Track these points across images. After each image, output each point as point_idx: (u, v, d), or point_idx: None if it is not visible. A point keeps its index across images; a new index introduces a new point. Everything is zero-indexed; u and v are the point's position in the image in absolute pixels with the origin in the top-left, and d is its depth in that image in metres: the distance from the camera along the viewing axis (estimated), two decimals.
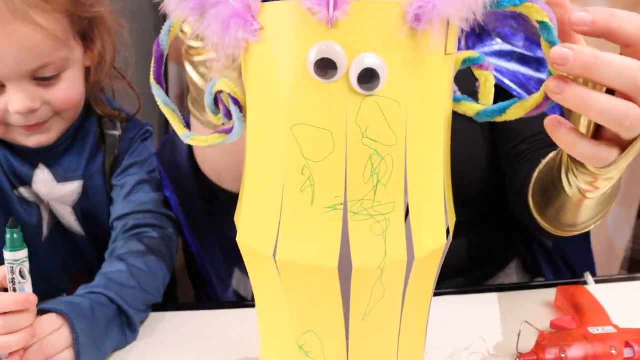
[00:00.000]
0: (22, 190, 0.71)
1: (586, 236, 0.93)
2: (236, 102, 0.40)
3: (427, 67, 0.35)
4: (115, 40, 0.72)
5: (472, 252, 0.84)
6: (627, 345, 0.54)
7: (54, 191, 0.71)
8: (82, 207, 0.73)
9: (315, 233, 0.36)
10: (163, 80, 0.43)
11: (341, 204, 0.35)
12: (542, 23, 0.36)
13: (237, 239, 0.41)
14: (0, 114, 0.63)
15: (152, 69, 0.42)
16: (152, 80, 0.42)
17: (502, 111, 0.40)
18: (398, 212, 0.36)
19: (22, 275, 0.51)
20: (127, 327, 0.58)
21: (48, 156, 0.70)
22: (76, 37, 0.67)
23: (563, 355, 0.51)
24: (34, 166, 0.70)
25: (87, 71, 0.71)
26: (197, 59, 0.58)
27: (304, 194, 0.36)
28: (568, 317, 0.59)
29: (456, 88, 0.41)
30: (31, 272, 0.52)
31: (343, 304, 0.38)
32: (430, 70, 0.36)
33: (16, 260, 0.51)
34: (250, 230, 0.40)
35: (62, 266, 0.75)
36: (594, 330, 0.54)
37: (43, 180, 0.70)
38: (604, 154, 0.40)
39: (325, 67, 0.34)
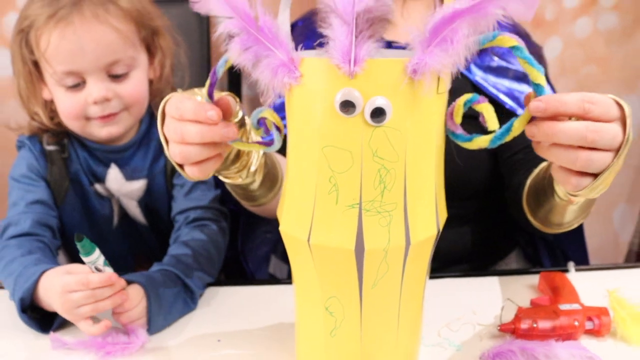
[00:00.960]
0: (97, 186, 0.87)
1: (580, 231, 1.06)
2: (276, 128, 0.55)
3: (422, 104, 0.50)
4: (173, 55, 0.89)
5: (475, 242, 0.98)
6: (589, 319, 0.68)
7: (123, 187, 0.87)
8: (145, 202, 0.89)
9: (338, 224, 0.51)
10: (213, 97, 0.58)
11: (357, 204, 0.50)
12: (513, 47, 0.50)
13: (280, 229, 0.56)
14: (81, 107, 0.80)
15: (206, 88, 0.57)
16: (207, 98, 0.57)
17: (509, 130, 0.53)
18: (399, 210, 0.51)
19: (98, 269, 0.67)
20: (189, 300, 0.74)
21: (118, 158, 0.87)
22: (141, 43, 0.84)
23: (535, 325, 0.65)
24: (107, 166, 0.87)
25: (150, 83, 0.87)
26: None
27: (331, 196, 0.51)
28: (545, 297, 0.73)
29: (453, 126, 0.55)
30: (103, 252, 0.67)
31: (357, 277, 0.53)
32: (424, 107, 0.50)
33: (91, 261, 0.66)
34: (291, 222, 0.55)
35: (129, 249, 0.91)
36: (563, 307, 0.68)
37: (114, 178, 0.87)
38: (574, 182, 0.55)
39: (347, 106, 0.48)
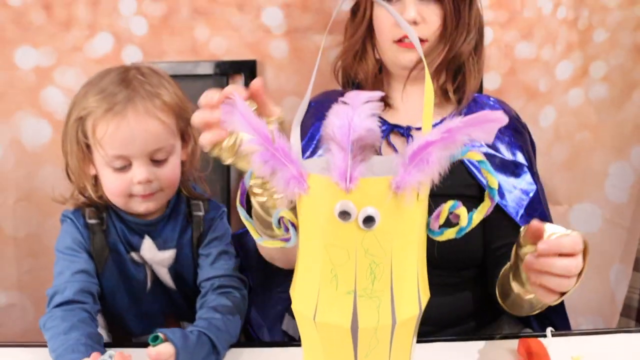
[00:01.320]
0: (133, 254, 1.02)
1: (562, 303, 1.19)
2: (293, 224, 0.68)
3: (405, 211, 0.63)
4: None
5: (470, 306, 1.11)
6: None
7: (156, 256, 1.02)
8: (175, 269, 1.04)
9: (337, 306, 0.64)
10: (244, 204, 0.71)
11: (353, 291, 0.64)
12: (480, 161, 0.64)
13: (292, 306, 0.69)
14: (126, 186, 0.96)
15: (238, 197, 0.70)
16: (237, 204, 0.71)
17: (470, 222, 0.67)
18: (386, 295, 0.64)
19: None
20: (215, 358, 0.87)
21: (151, 230, 1.01)
22: (177, 133, 0.99)
23: None
24: (142, 237, 1.02)
25: (182, 164, 1.02)
26: (258, 199, 0.85)
27: (332, 283, 0.64)
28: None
29: (437, 225, 0.68)
30: (137, 314, 0.81)
31: (353, 349, 0.66)
32: (406, 213, 0.63)
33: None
34: (300, 301, 0.68)
35: (159, 309, 1.05)
36: None
37: (148, 248, 1.02)
38: (552, 298, 0.79)
39: (344, 214, 0.61)
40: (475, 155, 0.64)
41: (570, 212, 1.69)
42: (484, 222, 1.06)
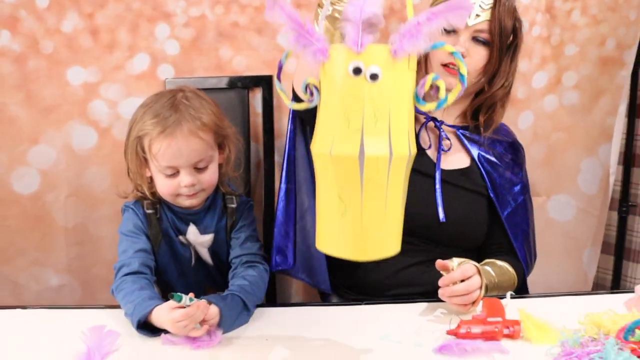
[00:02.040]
0: (181, 238, 1.31)
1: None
2: (316, 87, 0.93)
3: (399, 72, 0.88)
4: (235, 149, 1.32)
5: None
6: (507, 327, 1.08)
7: (198, 239, 1.31)
8: (213, 249, 1.33)
9: (350, 140, 0.86)
10: (280, 78, 0.99)
11: (360, 128, 0.87)
12: (452, 52, 0.92)
13: (313, 150, 0.92)
14: (175, 188, 1.24)
15: (275, 74, 0.98)
16: (276, 81, 0.98)
17: (445, 101, 0.93)
18: (385, 134, 0.86)
19: (186, 305, 1.07)
20: (246, 314, 1.16)
21: (195, 218, 1.30)
22: (215, 145, 1.27)
23: (469, 330, 1.06)
24: (187, 224, 1.31)
25: (219, 166, 1.31)
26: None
27: (345, 123, 0.87)
28: (483, 314, 1.13)
29: (422, 92, 0.92)
30: (183, 284, 1.09)
31: (360, 174, 0.88)
32: (400, 73, 0.88)
33: (183, 303, 1.08)
34: (320, 144, 0.90)
35: (201, 281, 1.34)
36: (490, 319, 1.09)
37: (192, 233, 1.31)
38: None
39: (356, 70, 0.86)
40: (449, 48, 0.93)
41: (548, 203, 1.97)
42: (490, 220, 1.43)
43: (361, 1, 0.88)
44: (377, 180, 0.89)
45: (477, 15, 1.37)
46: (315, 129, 0.95)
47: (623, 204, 1.96)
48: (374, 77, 0.87)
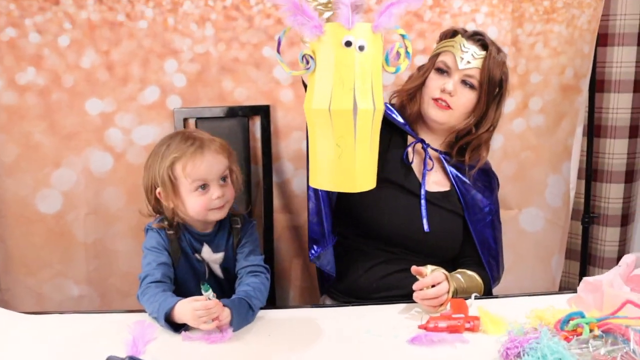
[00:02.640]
0: (196, 255, 1.56)
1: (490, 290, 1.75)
2: (312, 57, 1.17)
3: (377, 43, 1.15)
4: (239, 171, 1.58)
5: None
6: (468, 322, 1.33)
7: (211, 257, 1.56)
8: (223, 265, 1.57)
9: (344, 97, 1.13)
10: (280, 51, 1.23)
11: (352, 88, 1.13)
12: (402, 35, 1.20)
13: (312, 107, 1.17)
14: (207, 203, 1.48)
15: (276, 48, 1.23)
16: (276, 53, 1.23)
17: (399, 70, 1.21)
18: (369, 92, 1.14)
19: (209, 298, 1.33)
20: (252, 315, 1.41)
21: (208, 239, 1.56)
22: (229, 166, 1.52)
23: (436, 325, 1.31)
24: (202, 244, 1.56)
25: None
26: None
27: (340, 85, 1.12)
28: (450, 311, 1.38)
29: (391, 56, 1.20)
30: (199, 292, 1.33)
31: (353, 124, 1.14)
32: (377, 44, 1.15)
33: (208, 294, 1.32)
34: (318, 102, 1.14)
35: (214, 291, 1.58)
36: (455, 315, 1.34)
37: (206, 251, 1.56)
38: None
39: (348, 43, 1.12)
40: (401, 31, 1.20)
41: (520, 215, 2.23)
42: (464, 236, 1.70)
43: None
44: (365, 128, 1.17)
45: (468, 62, 1.60)
46: (309, 91, 1.20)
47: (585, 216, 2.22)
48: (361, 48, 1.13)
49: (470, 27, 1.98)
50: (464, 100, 1.62)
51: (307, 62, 1.18)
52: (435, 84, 1.64)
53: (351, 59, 1.14)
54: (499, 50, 1.64)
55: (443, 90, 1.61)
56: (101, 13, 1.89)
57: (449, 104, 1.62)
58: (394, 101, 1.76)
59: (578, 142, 2.13)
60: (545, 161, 2.18)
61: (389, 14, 1.15)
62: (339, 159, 1.18)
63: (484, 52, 1.61)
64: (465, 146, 1.70)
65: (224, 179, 1.52)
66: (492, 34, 1.98)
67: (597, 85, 2.19)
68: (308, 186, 1.60)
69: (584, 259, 2.27)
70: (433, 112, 1.64)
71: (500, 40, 2.01)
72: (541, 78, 2.10)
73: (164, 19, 1.91)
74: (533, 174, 2.19)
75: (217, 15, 1.92)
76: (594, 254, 2.31)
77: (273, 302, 2.00)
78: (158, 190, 1.51)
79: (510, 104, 2.11)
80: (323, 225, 1.61)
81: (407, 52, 1.21)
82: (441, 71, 1.64)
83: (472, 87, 1.62)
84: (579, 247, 2.28)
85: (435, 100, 1.63)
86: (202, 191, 1.49)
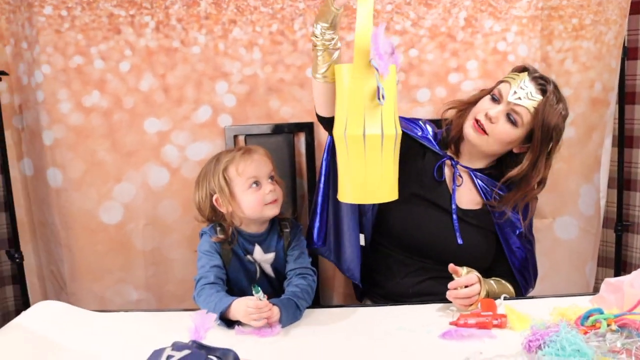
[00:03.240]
0: (248, 257, 1.73)
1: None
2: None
3: (388, 83, 1.37)
4: (282, 184, 1.75)
5: None
6: (496, 319, 1.47)
7: (263, 257, 1.74)
8: (274, 265, 1.74)
9: (356, 125, 1.36)
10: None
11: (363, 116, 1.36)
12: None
13: (333, 132, 1.42)
14: (262, 197, 1.69)
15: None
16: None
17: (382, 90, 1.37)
18: (379, 120, 1.35)
19: (260, 299, 1.50)
20: (299, 313, 1.57)
21: (259, 239, 1.73)
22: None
23: (466, 321, 1.45)
24: (253, 245, 1.73)
25: None
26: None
27: (352, 117, 1.36)
28: (479, 309, 1.52)
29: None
30: (251, 294, 1.50)
31: (364, 149, 1.36)
32: (389, 83, 1.36)
33: (258, 295, 1.49)
34: (338, 128, 1.40)
35: (264, 290, 1.74)
36: (484, 313, 1.48)
37: (258, 252, 1.73)
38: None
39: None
40: (392, 67, 1.37)
41: (554, 224, 2.33)
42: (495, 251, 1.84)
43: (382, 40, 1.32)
44: (375, 149, 1.36)
45: (519, 98, 1.67)
46: (335, 120, 1.43)
47: (618, 224, 2.31)
48: (382, 97, 1.34)
49: (501, 46, 2.12)
50: (502, 130, 1.70)
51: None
52: (483, 106, 1.74)
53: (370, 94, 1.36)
54: (559, 100, 1.69)
55: (486, 114, 1.70)
56: (158, 40, 2.08)
57: (486, 129, 1.71)
58: (447, 115, 1.88)
59: (607, 152, 2.23)
60: (578, 172, 2.28)
61: (387, 59, 1.35)
62: (354, 177, 1.40)
63: (540, 97, 1.66)
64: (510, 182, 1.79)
65: (271, 178, 1.71)
66: (522, 51, 2.12)
67: (627, 97, 2.29)
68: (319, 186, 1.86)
69: (617, 266, 2.36)
70: (469, 132, 1.75)
71: (530, 57, 2.13)
72: (571, 92, 2.20)
73: (215, 44, 2.10)
74: (566, 184, 2.28)
75: (263, 40, 2.10)
76: (628, 261, 2.39)
77: (317, 302, 2.12)
78: (215, 197, 1.68)
79: None
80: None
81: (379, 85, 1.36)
82: (494, 97, 1.73)
83: (513, 123, 1.68)
84: (613, 254, 2.37)
85: (476, 121, 1.73)
86: (256, 187, 1.68)
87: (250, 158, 1.69)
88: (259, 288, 1.50)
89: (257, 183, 1.68)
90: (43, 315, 1.61)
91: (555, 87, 1.70)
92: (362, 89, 1.34)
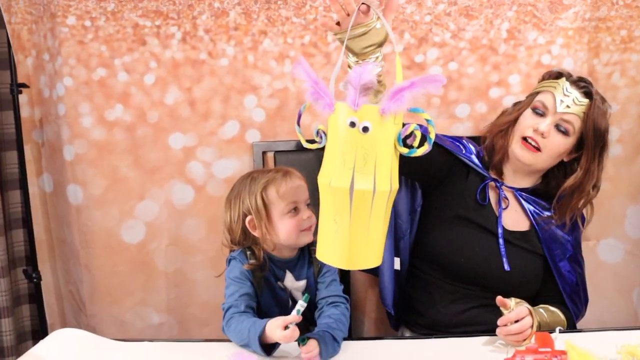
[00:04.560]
0: (279, 283, 1.61)
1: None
2: (324, 133, 1.23)
3: (386, 126, 1.15)
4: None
5: None
6: (555, 356, 1.34)
7: (294, 285, 1.61)
8: (305, 292, 1.61)
9: (343, 176, 1.15)
10: (299, 124, 1.30)
11: (352, 168, 1.14)
12: (427, 120, 1.17)
13: (318, 180, 1.21)
14: (299, 222, 1.55)
15: (296, 121, 1.30)
16: (296, 125, 1.30)
17: (414, 151, 1.17)
18: (371, 174, 1.14)
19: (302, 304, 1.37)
20: (337, 346, 1.45)
21: (290, 266, 1.61)
22: None
23: (523, 359, 1.32)
24: (284, 272, 1.61)
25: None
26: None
27: (341, 164, 1.15)
28: (535, 345, 1.39)
29: (403, 135, 1.18)
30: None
31: (349, 203, 1.16)
32: (386, 127, 1.15)
33: (302, 306, 1.37)
34: (324, 176, 1.19)
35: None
36: (541, 349, 1.35)
37: (289, 279, 1.61)
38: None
39: (352, 124, 1.13)
40: (425, 115, 1.17)
41: (598, 247, 2.20)
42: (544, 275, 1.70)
43: (359, 70, 1.15)
44: (362, 209, 1.17)
45: (568, 106, 1.59)
46: (322, 164, 1.23)
47: None
48: (365, 129, 1.14)
49: (546, 60, 2.00)
50: (555, 143, 1.61)
51: (321, 137, 1.24)
52: (528, 122, 1.64)
53: (353, 139, 1.16)
54: (603, 100, 1.63)
55: (536, 130, 1.60)
56: (184, 52, 2.00)
57: (539, 145, 1.61)
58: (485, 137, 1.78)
59: None
60: (624, 192, 2.16)
61: (401, 97, 1.13)
62: (335, 234, 1.20)
63: (586, 100, 1.59)
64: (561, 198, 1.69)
65: (308, 204, 1.59)
66: (567, 65, 2.00)
67: None
68: None
69: None
70: (519, 152, 1.65)
71: (576, 71, 2.01)
72: (619, 108, 2.08)
73: (244, 56, 2.00)
74: (611, 204, 2.16)
75: (295, 52, 2.00)
76: None
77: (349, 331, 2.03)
78: (249, 218, 1.57)
79: None
80: None
81: (429, 138, 1.18)
82: (537, 111, 1.63)
83: (565, 133, 1.60)
84: None
85: (524, 139, 1.63)
86: (294, 213, 1.56)
87: (292, 181, 1.57)
88: (309, 296, 1.40)
89: (295, 209, 1.57)
90: (62, 344, 1.50)
91: (592, 85, 1.64)
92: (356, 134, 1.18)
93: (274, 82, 2.02)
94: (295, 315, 1.38)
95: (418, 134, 1.20)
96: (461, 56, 2.00)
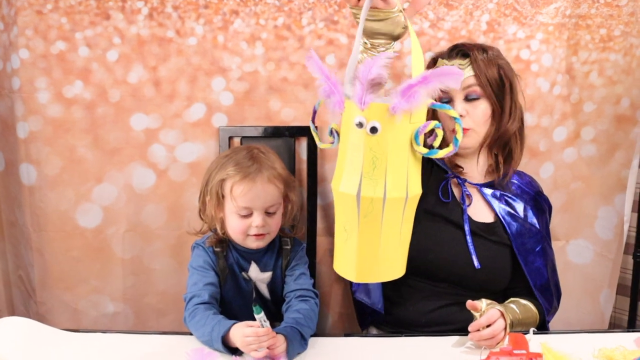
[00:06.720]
0: (243, 274, 1.53)
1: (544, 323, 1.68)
2: (337, 132, 1.14)
3: (397, 126, 1.05)
4: (298, 202, 1.54)
5: None
6: (530, 358, 1.28)
7: (259, 276, 1.53)
8: (271, 285, 1.54)
9: (351, 182, 1.07)
10: (314, 121, 1.21)
11: (360, 173, 1.06)
12: (455, 118, 1.10)
13: (332, 184, 1.14)
14: (246, 227, 1.45)
15: (310, 119, 1.20)
16: (310, 122, 1.20)
17: (435, 152, 1.09)
18: (381, 179, 1.05)
19: (262, 324, 1.29)
20: (304, 343, 1.37)
21: (256, 257, 1.52)
22: (282, 196, 1.48)
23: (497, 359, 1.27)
24: (249, 263, 1.52)
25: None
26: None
27: (349, 167, 1.07)
28: (509, 346, 1.33)
29: (421, 135, 1.08)
30: (245, 315, 1.30)
31: (357, 211, 1.07)
32: (398, 127, 1.05)
33: (259, 318, 1.29)
34: (334, 181, 1.11)
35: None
36: (516, 351, 1.29)
37: (254, 270, 1.52)
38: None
39: (359, 124, 1.06)
40: (452, 113, 1.10)
41: (567, 247, 2.18)
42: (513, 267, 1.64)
43: (370, 63, 1.06)
44: (372, 217, 1.06)
45: None
46: (336, 167, 1.16)
47: (638, 249, 2.15)
48: (373, 130, 1.04)
49: (524, 54, 1.96)
50: (479, 113, 1.57)
51: (334, 137, 1.15)
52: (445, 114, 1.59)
53: (360, 141, 1.06)
54: (484, 49, 1.59)
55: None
56: (151, 29, 1.89)
57: (465, 126, 1.57)
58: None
59: (634, 174, 2.07)
60: (597, 192, 2.13)
61: (414, 94, 1.04)
62: (345, 244, 1.11)
63: (467, 60, 1.57)
64: (497, 151, 1.65)
65: (269, 213, 1.48)
66: (546, 61, 1.97)
67: None
68: None
69: (634, 295, 2.20)
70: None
71: (554, 67, 1.98)
72: (595, 107, 2.05)
73: (214, 36, 1.91)
74: (583, 205, 2.14)
75: (267, 35, 1.91)
76: None
77: None
78: (208, 198, 1.48)
79: (561, 132, 2.07)
80: None
81: (455, 139, 1.09)
82: (444, 101, 1.58)
83: (476, 98, 1.57)
84: (630, 282, 2.21)
85: (453, 131, 1.58)
86: (244, 216, 1.46)
87: (252, 185, 1.44)
88: (261, 309, 1.29)
89: (248, 213, 1.47)
90: (7, 334, 1.38)
91: (466, 43, 1.63)
92: (363, 136, 1.08)
93: (244, 64, 1.93)
94: (257, 328, 1.29)
95: (440, 132, 1.11)
96: (439, 46, 1.93)
